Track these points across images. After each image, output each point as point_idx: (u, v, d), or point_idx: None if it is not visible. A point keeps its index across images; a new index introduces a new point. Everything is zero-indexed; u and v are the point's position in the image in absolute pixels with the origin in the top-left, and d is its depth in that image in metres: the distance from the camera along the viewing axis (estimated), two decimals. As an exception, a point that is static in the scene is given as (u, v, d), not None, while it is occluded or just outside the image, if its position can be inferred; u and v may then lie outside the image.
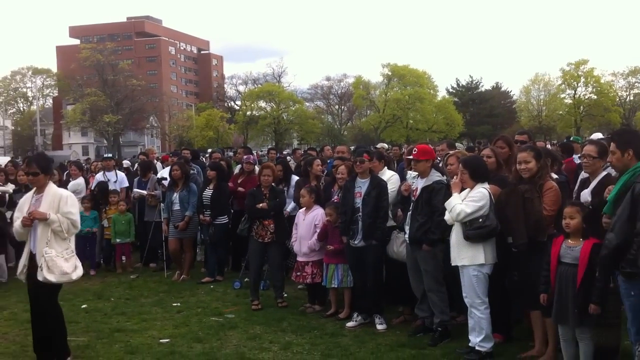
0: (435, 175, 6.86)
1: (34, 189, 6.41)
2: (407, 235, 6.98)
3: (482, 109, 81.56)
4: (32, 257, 6.16)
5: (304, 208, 8.38)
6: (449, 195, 6.34)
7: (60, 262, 6.05)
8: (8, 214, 10.75)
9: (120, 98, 71.52)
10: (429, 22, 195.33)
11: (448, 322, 6.83)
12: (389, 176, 8.04)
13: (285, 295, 8.69)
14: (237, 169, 11.66)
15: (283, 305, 8.40)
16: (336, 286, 7.86)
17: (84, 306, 8.70)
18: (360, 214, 7.34)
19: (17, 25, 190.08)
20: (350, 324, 7.41)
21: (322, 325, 7.49)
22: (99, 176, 12.41)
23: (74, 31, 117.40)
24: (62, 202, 6.17)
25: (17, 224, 6.23)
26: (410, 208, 6.95)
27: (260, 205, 8.48)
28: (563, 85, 75.04)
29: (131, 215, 11.52)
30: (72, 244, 6.30)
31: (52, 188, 6.33)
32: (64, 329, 6.40)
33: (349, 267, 7.68)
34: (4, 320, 8.21)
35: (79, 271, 6.25)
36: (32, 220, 6.09)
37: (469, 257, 6.07)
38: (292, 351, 6.60)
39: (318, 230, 8.05)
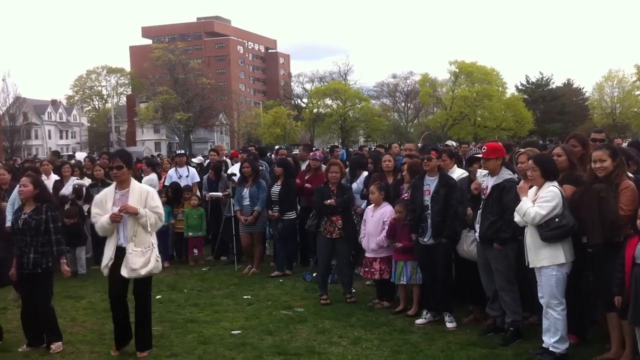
0: (506, 174, 6.75)
1: (113, 185, 6.55)
2: (477, 234, 6.90)
3: (552, 106, 79.29)
4: (118, 251, 6.32)
5: (373, 204, 8.42)
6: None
7: (134, 258, 6.20)
8: (85, 207, 11.20)
9: (191, 96, 73.14)
10: (498, 17, 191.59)
11: (520, 322, 6.73)
12: (459, 174, 8.00)
13: (354, 290, 8.74)
14: (304, 166, 11.79)
15: (351, 300, 8.45)
16: (405, 283, 7.85)
17: (158, 297, 8.92)
18: (429, 211, 7.32)
19: (92, 26, 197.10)
20: (419, 321, 7.40)
21: (391, 322, 7.50)
22: (171, 172, 12.77)
23: (147, 31, 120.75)
24: (150, 197, 6.38)
25: (104, 219, 6.31)
26: (481, 206, 6.87)
27: (328, 201, 8.55)
28: (639, 82, 72.22)
29: (203, 210, 11.80)
30: (154, 239, 6.46)
31: (136, 184, 6.53)
32: (150, 321, 6.65)
33: (418, 265, 7.67)
34: (82, 309, 8.52)
35: (150, 266, 6.28)
36: (122, 215, 6.25)
37: (548, 258, 5.94)
38: (362, 346, 6.63)
39: (386, 227, 8.07)
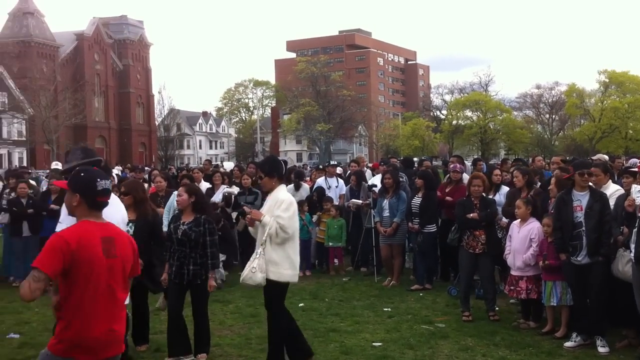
0: (665, 190, 6.29)
1: None
2: (632, 254, 6.48)
3: None
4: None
5: (519, 220, 8.13)
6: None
7: (266, 266, 6.09)
8: (233, 215, 11.71)
9: (332, 108, 74.65)
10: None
11: (681, 350, 6.23)
12: (613, 190, 7.53)
13: (497, 308, 8.49)
14: (445, 178, 11.65)
15: (495, 318, 8.20)
16: (555, 304, 7.51)
17: (301, 304, 9.11)
18: (583, 228, 6.93)
19: (241, 42, 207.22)
20: (568, 344, 7.02)
21: (537, 343, 7.19)
22: (320, 181, 13.01)
23: (291, 45, 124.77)
24: (277, 205, 6.18)
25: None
26: (636, 225, 6.44)
27: (471, 215, 8.38)
28: None
29: (344, 220, 11.93)
30: (291, 251, 6.23)
31: (277, 192, 6.32)
32: (283, 333, 6.34)
33: (569, 285, 7.31)
34: (230, 313, 8.81)
35: (286, 277, 6.17)
36: (252, 220, 6.27)
37: None
38: (506, 366, 6.43)
39: (534, 245, 7.77)
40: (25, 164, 52.50)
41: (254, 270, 6.08)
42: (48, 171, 25.14)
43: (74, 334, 3.62)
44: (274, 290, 6.24)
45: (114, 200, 5.68)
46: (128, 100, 77.26)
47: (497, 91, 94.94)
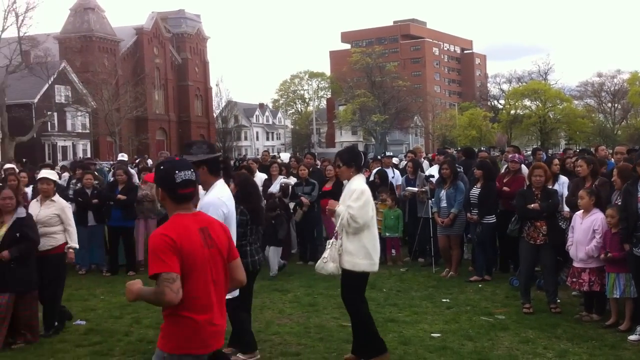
0: None
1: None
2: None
3: None
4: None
5: (581, 211, 7.96)
6: None
7: (343, 255, 6.12)
8: (290, 205, 11.82)
9: (387, 99, 74.18)
10: None
11: None
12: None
13: (559, 300, 8.33)
14: (503, 169, 11.49)
15: (556, 311, 8.06)
16: (618, 297, 7.33)
17: (359, 294, 9.18)
18: (645, 219, 6.77)
19: (297, 34, 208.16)
20: (632, 337, 6.85)
21: (600, 336, 7.05)
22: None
23: (346, 37, 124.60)
24: (349, 194, 6.18)
25: None
26: None
27: (532, 206, 8.23)
28: None
29: (400, 211, 11.88)
30: (366, 240, 6.16)
31: (351, 182, 6.30)
32: (364, 323, 6.33)
33: (632, 277, 7.13)
34: (289, 302, 8.92)
35: (361, 267, 6.12)
36: (332, 211, 6.28)
37: None
38: (569, 360, 6.33)
39: (597, 236, 7.59)
40: (89, 155, 54.01)
41: (325, 260, 6.19)
42: (112, 162, 25.87)
43: (187, 328, 3.52)
44: (349, 279, 6.25)
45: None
46: (187, 93, 78.40)
47: (557, 80, 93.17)
